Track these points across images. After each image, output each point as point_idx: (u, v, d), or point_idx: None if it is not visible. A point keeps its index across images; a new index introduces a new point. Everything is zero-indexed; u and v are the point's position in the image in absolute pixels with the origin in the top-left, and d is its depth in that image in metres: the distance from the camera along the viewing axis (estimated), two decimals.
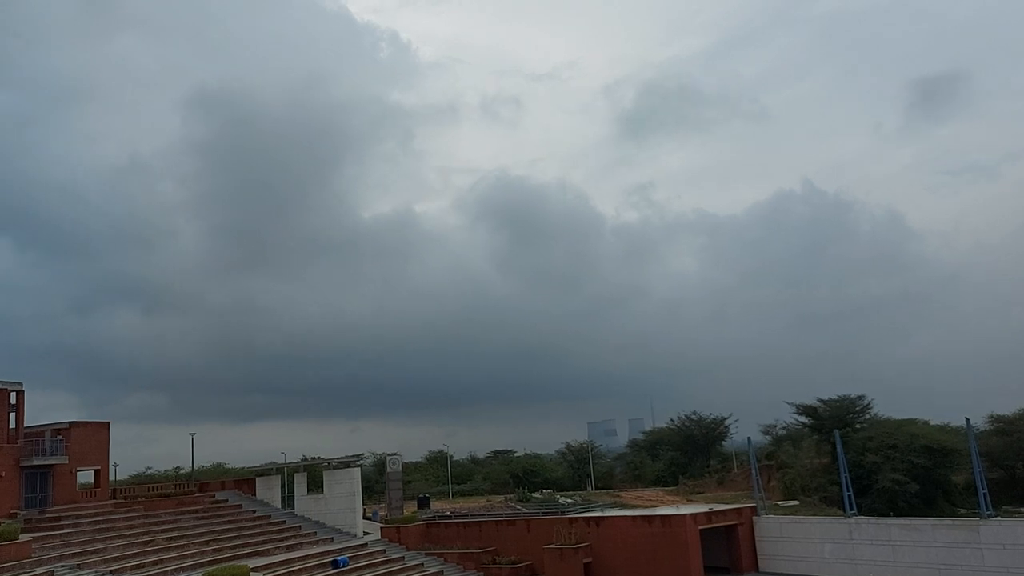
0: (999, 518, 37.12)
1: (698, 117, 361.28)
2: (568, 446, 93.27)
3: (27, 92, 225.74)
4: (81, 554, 36.85)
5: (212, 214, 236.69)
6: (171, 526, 44.70)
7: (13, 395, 44.75)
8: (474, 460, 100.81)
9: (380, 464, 73.36)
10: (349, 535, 49.91)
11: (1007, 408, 67.74)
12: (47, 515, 42.10)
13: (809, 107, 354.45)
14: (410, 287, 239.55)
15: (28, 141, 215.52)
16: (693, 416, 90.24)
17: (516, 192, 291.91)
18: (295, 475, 56.31)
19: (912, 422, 65.59)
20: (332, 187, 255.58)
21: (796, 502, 58.63)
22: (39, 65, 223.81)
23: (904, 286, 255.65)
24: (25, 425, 45.59)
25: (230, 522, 48.54)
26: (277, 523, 50.35)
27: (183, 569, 37.32)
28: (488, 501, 67.49)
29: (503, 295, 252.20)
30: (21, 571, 32.30)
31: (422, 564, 44.79)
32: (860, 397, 69.29)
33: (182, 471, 78.82)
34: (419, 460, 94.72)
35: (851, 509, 41.45)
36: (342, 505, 52.29)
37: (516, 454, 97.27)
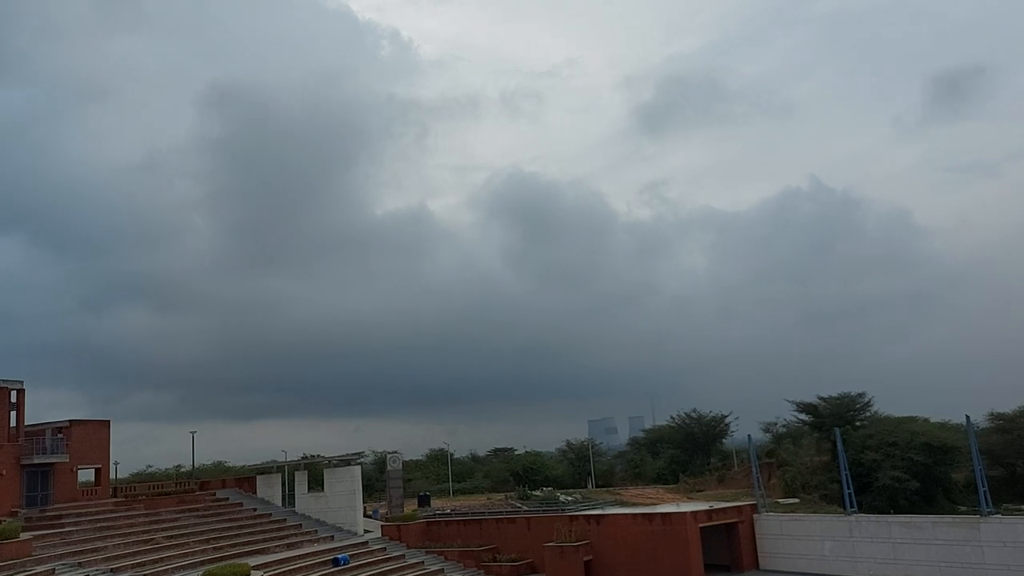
0: (999, 516, 37.09)
1: (707, 114, 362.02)
2: (568, 444, 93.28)
3: (43, 89, 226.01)
4: (82, 552, 36.87)
5: (224, 212, 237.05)
6: (171, 524, 44.71)
7: (14, 393, 44.74)
8: (474, 458, 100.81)
9: (381, 462, 73.39)
10: (350, 533, 49.93)
11: (1007, 406, 67.82)
12: (48, 513, 42.11)
13: (817, 104, 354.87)
14: (421, 284, 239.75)
15: (44, 138, 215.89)
16: (693, 414, 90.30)
17: (528, 189, 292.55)
18: (295, 473, 56.34)
19: (912, 419, 65.59)
20: (344, 184, 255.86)
21: (796, 500, 58.61)
22: (56, 62, 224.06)
23: (910, 284, 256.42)
24: (26, 423, 45.60)
25: (230, 520, 48.55)
26: (278, 521, 50.37)
27: (183, 567, 37.33)
28: (488, 499, 67.51)
29: (513, 293, 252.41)
30: (22, 569, 32.32)
31: (422, 562, 44.82)
32: (860, 395, 69.33)
33: (183, 469, 78.82)
34: (419, 458, 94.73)
35: (851, 507, 41.44)
36: (343, 503, 52.31)
37: (516, 452, 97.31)
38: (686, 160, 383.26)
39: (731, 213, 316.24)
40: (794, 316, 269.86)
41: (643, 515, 43.04)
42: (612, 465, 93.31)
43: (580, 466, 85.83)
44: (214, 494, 53.67)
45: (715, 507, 44.05)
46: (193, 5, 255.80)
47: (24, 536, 35.24)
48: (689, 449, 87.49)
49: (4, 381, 44.36)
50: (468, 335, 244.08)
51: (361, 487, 53.83)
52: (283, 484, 56.70)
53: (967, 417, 42.88)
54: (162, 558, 38.15)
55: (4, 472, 42.16)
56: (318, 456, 60.08)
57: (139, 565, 36.41)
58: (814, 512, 48.20)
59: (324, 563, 41.36)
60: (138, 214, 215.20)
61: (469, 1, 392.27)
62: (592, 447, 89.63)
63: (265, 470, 58.20)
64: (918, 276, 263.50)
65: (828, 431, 59.78)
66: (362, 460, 60.34)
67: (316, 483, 56.25)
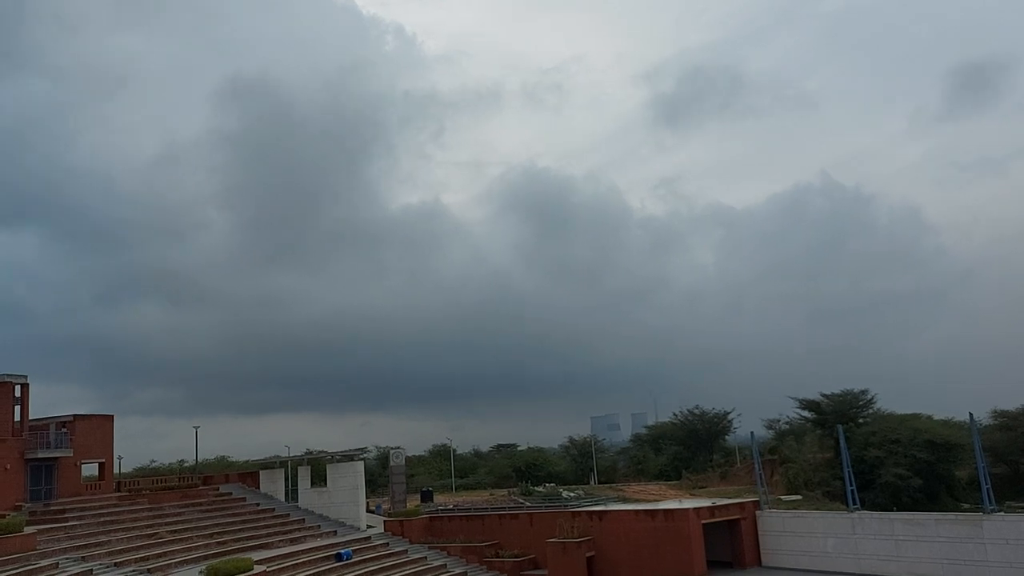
0: (1002, 513, 37.04)
1: (720, 110, 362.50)
2: (571, 440, 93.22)
3: (60, 82, 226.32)
4: (86, 546, 36.96)
5: (239, 206, 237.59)
6: (175, 519, 44.80)
7: (18, 388, 44.87)
8: (477, 454, 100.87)
9: (383, 457, 73.45)
10: (352, 528, 50.02)
11: (1012, 403, 67.59)
12: (52, 508, 42.23)
13: (828, 100, 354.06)
14: (433, 280, 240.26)
15: (61, 131, 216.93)
16: (696, 410, 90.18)
17: (541, 184, 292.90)
18: (299, 468, 56.42)
19: (915, 417, 65.47)
20: (358, 180, 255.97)
21: (799, 497, 58.50)
22: (73, 55, 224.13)
23: (918, 281, 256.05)
24: (33, 418, 45.74)
25: (234, 515, 48.66)
26: (281, 516, 50.47)
27: (187, 561, 37.40)
28: (491, 495, 67.53)
29: (525, 288, 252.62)
30: (26, 563, 32.42)
31: (425, 557, 44.89)
32: (863, 391, 69.14)
33: (186, 464, 78.96)
34: (422, 454, 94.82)
35: (854, 504, 41.38)
36: (345, 498, 52.38)
37: (519, 448, 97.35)
38: (698, 156, 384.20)
39: (742, 209, 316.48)
40: (803, 313, 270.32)
41: (646, 511, 43.04)
42: (615, 461, 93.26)
43: (583, 462, 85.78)
44: (217, 489, 53.82)
45: (718, 504, 44.06)
46: (205, 2, 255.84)
47: (28, 530, 35.30)
48: (692, 446, 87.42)
49: (8, 375, 44.48)
50: (478, 331, 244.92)
51: (364, 482, 53.86)
52: (286, 479, 56.75)
53: (970, 414, 42.76)
54: (165, 552, 38.26)
55: (8, 466, 42.28)
56: (321, 451, 60.19)
57: (142, 559, 36.51)
58: (817, 509, 48.15)
59: (327, 558, 41.46)
60: (154, 208, 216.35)
61: None
62: (595, 443, 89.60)
63: (268, 465, 58.29)
64: (927, 273, 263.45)
65: (831, 428, 59.68)
66: (365, 456, 60.43)
67: (319, 478, 56.34)
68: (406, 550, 45.75)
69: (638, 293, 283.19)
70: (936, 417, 67.99)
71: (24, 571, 31.43)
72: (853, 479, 42.23)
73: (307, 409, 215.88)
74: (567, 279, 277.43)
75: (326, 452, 58.22)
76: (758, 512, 44.11)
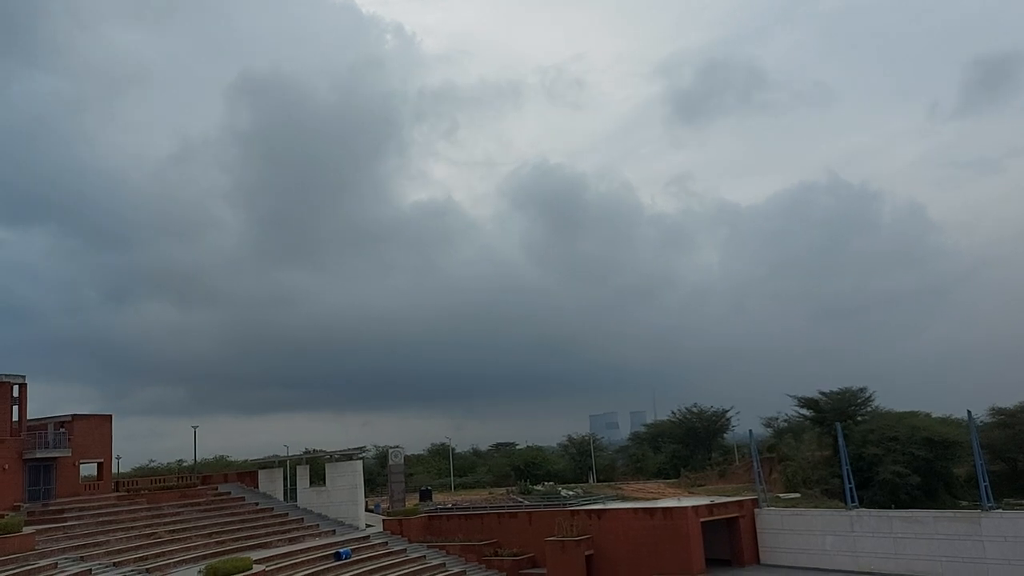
0: (1000, 510, 37.12)
1: (729, 107, 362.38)
2: (570, 439, 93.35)
3: (72, 79, 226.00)
4: (84, 546, 36.93)
5: (248, 205, 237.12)
6: (174, 518, 44.78)
7: (16, 388, 44.84)
8: (476, 453, 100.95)
9: (382, 457, 73.46)
10: (351, 527, 50.01)
11: (1009, 401, 67.77)
12: (50, 508, 42.20)
13: (833, 98, 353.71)
14: (441, 278, 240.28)
15: (72, 128, 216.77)
16: (694, 409, 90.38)
17: (552, 181, 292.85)
18: (297, 468, 56.40)
19: (913, 414, 65.60)
20: (366, 178, 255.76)
21: (797, 495, 58.64)
22: (84, 52, 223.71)
23: (921, 279, 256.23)
24: (35, 417, 45.72)
25: (233, 514, 48.64)
26: (279, 515, 50.46)
27: (186, 561, 37.38)
28: (490, 494, 67.58)
29: (533, 287, 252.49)
30: (25, 563, 32.40)
31: (424, 556, 44.90)
32: (862, 389, 69.36)
33: (184, 464, 78.94)
34: (421, 453, 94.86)
35: (852, 501, 41.45)
36: (344, 498, 52.37)
37: (518, 447, 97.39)
38: (708, 153, 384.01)
39: (746, 207, 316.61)
40: (806, 312, 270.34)
41: (644, 510, 43.06)
42: (613, 460, 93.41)
43: (581, 461, 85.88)
44: (216, 488, 53.79)
45: (716, 502, 44.09)
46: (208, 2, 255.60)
47: (27, 530, 35.27)
48: (690, 444, 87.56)
49: (6, 376, 44.44)
50: (484, 330, 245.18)
51: (363, 482, 53.86)
52: (285, 479, 56.74)
53: (968, 412, 42.92)
54: (164, 552, 38.24)
55: (7, 466, 42.25)
56: (320, 451, 60.18)
57: (141, 559, 36.49)
58: (815, 507, 48.26)
59: (326, 557, 41.45)
60: (164, 206, 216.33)
61: None
62: (593, 442, 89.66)
63: (267, 465, 58.25)
64: (929, 271, 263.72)
65: (829, 426, 59.81)
66: (364, 455, 60.37)
67: (318, 478, 56.34)
68: (405, 549, 45.76)
69: (645, 292, 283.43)
70: (934, 415, 68.16)
71: (23, 571, 31.40)
72: (851, 477, 42.30)
73: (309, 408, 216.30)
74: (575, 277, 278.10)
75: (325, 451, 58.21)
76: (757, 510, 44.15)
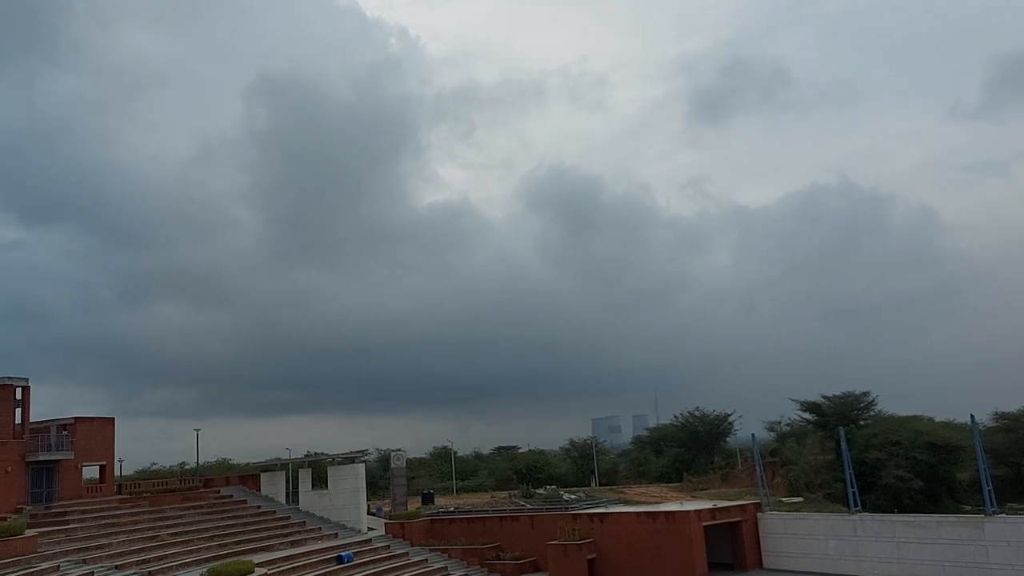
0: (1004, 515, 36.97)
1: (737, 109, 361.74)
2: (572, 442, 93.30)
3: (92, 79, 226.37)
4: (87, 549, 36.98)
5: (265, 206, 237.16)
6: (176, 521, 44.83)
7: (19, 390, 44.92)
8: (478, 456, 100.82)
9: (384, 460, 73.40)
10: (353, 531, 50.02)
11: (1013, 405, 67.55)
12: (53, 510, 42.26)
13: (845, 100, 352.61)
14: (454, 280, 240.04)
15: (92, 129, 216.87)
16: (697, 412, 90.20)
17: (567, 183, 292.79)
18: (299, 471, 56.42)
19: (916, 419, 65.37)
20: (385, 179, 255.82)
21: (800, 499, 58.51)
22: (105, 52, 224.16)
23: (932, 282, 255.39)
24: (33, 420, 45.74)
25: (235, 517, 48.66)
26: (282, 519, 50.46)
27: (188, 564, 37.40)
28: (492, 497, 67.55)
29: (546, 289, 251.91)
30: (27, 566, 32.44)
31: (426, 560, 44.87)
32: (864, 394, 69.08)
33: (187, 467, 78.97)
34: (423, 456, 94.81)
35: (855, 506, 41.36)
36: (346, 501, 52.37)
37: (520, 450, 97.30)
38: (726, 154, 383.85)
39: (757, 208, 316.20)
40: (816, 314, 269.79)
41: (647, 513, 43.01)
42: (616, 463, 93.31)
43: (584, 464, 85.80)
44: (218, 491, 53.83)
45: (719, 506, 44.01)
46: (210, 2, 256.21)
47: (29, 533, 35.36)
48: (693, 448, 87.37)
49: (9, 378, 44.55)
50: (495, 333, 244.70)
51: (365, 485, 53.87)
52: (287, 482, 56.77)
53: (972, 416, 42.70)
54: (167, 555, 38.25)
55: (9, 469, 42.33)
56: (322, 453, 60.19)
57: (144, 562, 36.50)
58: (818, 511, 48.12)
59: (328, 560, 41.43)
60: (183, 207, 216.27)
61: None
62: (596, 445, 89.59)
63: (269, 467, 58.31)
64: (940, 273, 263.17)
65: (832, 430, 59.62)
66: (366, 458, 60.40)
67: (320, 481, 56.33)
68: (407, 552, 45.73)
69: (658, 294, 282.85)
70: (937, 419, 67.93)
71: (25, 574, 31.46)
72: (854, 481, 42.20)
73: (316, 411, 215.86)
74: (589, 279, 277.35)
75: (327, 454, 58.22)
76: (759, 514, 44.07)
